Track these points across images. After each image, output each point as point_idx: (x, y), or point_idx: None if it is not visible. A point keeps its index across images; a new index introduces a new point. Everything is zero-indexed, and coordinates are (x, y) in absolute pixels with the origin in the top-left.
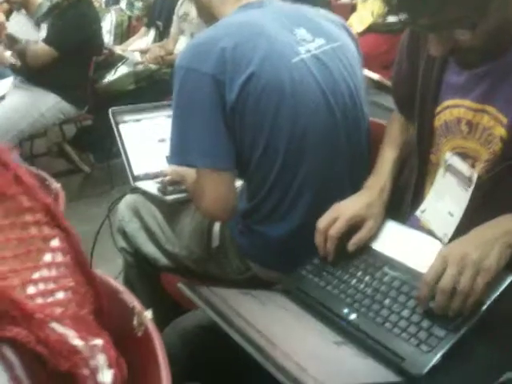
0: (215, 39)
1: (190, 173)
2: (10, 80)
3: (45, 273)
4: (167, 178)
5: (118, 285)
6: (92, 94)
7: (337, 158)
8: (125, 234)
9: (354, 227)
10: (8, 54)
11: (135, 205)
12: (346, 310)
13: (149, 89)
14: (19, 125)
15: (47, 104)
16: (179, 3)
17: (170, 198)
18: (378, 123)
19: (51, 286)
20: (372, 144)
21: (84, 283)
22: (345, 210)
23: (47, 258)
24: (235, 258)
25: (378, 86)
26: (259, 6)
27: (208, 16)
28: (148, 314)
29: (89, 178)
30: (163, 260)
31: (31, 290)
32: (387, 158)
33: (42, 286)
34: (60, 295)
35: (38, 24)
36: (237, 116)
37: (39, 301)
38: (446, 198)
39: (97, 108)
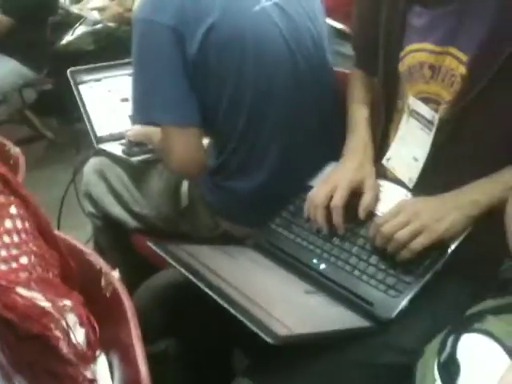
0: None
1: (155, 131)
2: None
3: (6, 239)
4: (131, 138)
5: (85, 247)
6: (51, 56)
7: (303, 108)
8: (91, 199)
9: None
10: None
11: (100, 168)
12: (315, 261)
13: (109, 48)
14: None
15: (4, 69)
16: None
17: (135, 159)
18: (341, 72)
19: (14, 251)
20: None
21: (48, 248)
22: (339, 178)
23: (7, 224)
24: (205, 216)
25: (341, 35)
26: None
27: None
28: (115, 274)
29: (53, 143)
30: (132, 222)
31: None
32: (359, 116)
33: (4, 253)
34: (24, 260)
35: None
36: (199, 69)
37: (2, 267)
38: (410, 144)
39: (56, 70)
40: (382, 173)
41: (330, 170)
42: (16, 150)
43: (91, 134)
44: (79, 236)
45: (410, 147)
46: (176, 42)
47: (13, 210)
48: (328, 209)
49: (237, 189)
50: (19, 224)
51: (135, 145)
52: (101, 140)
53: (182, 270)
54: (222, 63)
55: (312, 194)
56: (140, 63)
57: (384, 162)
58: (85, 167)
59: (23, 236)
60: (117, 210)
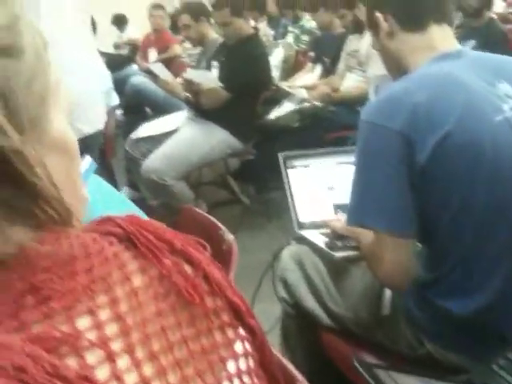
0: (406, 93)
1: (364, 231)
2: (183, 113)
3: None
4: (337, 230)
5: (297, 373)
6: (258, 128)
7: None
8: (286, 284)
9: None
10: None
11: (299, 254)
12: None
13: (312, 126)
14: (190, 157)
15: (217, 138)
16: (348, 39)
17: (338, 254)
18: None
19: None
20: None
21: None
22: None
23: (230, 367)
24: (407, 331)
25: None
26: (456, 57)
27: (396, 68)
28: None
29: (247, 209)
30: (324, 318)
31: None
32: None
33: None
34: None
35: (209, 61)
36: (426, 177)
37: None
38: None
39: (261, 142)
40: None
41: None
42: (230, 237)
43: (293, 219)
44: (268, 311)
45: None
46: (404, 149)
47: (238, 346)
48: None
49: (451, 309)
50: (242, 365)
51: (338, 237)
52: (302, 226)
53: None
54: (454, 174)
55: None
56: (363, 165)
57: None
58: (284, 251)
59: (245, 379)
60: (310, 303)
